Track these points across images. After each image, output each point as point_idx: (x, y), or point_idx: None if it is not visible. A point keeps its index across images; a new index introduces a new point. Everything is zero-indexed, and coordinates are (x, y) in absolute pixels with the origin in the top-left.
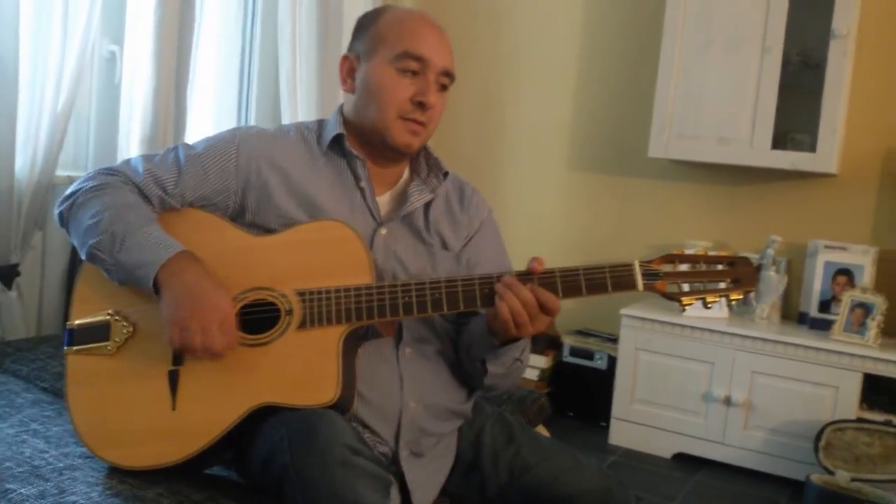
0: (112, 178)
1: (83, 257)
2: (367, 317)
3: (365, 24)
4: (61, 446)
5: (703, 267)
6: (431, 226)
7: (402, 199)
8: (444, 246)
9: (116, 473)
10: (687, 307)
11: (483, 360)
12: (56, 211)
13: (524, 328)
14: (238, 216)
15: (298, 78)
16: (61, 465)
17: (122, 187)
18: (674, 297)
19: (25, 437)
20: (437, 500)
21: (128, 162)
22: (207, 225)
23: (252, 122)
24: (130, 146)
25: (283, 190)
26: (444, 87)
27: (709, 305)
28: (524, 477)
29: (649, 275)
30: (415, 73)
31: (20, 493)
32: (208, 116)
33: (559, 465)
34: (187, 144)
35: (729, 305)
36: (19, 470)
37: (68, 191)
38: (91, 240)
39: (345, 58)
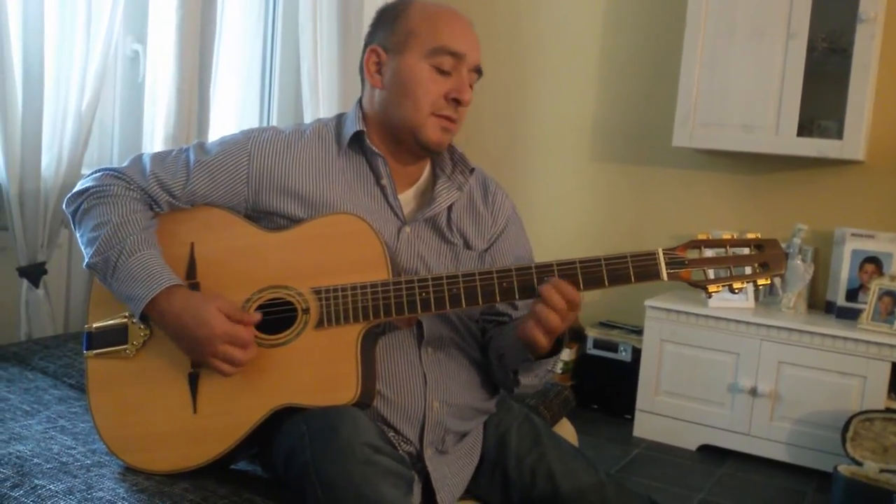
0: (117, 181)
1: (84, 268)
2: (384, 314)
3: (391, 16)
4: (88, 443)
5: (730, 252)
6: (454, 225)
7: (425, 197)
8: (467, 245)
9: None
10: (713, 294)
11: (515, 370)
12: (65, 210)
13: (558, 330)
14: (248, 218)
15: (320, 74)
16: (89, 461)
17: (125, 195)
18: (699, 285)
19: (53, 433)
20: (462, 500)
21: (137, 160)
22: (220, 221)
23: (274, 119)
24: (154, 144)
25: (296, 199)
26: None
27: (736, 291)
28: (545, 483)
29: (673, 263)
30: (449, 67)
31: (49, 488)
32: (231, 114)
33: (582, 479)
34: (201, 146)
35: (756, 290)
36: (48, 466)
37: (76, 189)
38: (89, 258)
39: (372, 50)
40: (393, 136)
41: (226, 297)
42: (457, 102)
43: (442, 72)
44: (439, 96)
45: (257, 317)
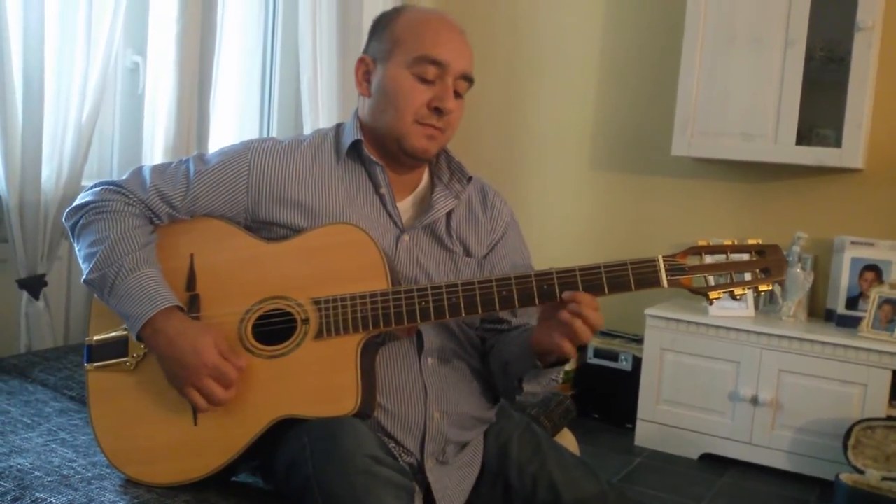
0: (117, 196)
1: (82, 283)
2: (384, 324)
3: (381, 25)
4: (89, 455)
5: (730, 258)
6: (454, 232)
7: (423, 205)
8: (467, 252)
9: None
10: (715, 301)
11: (520, 378)
12: (65, 223)
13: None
14: (248, 228)
15: (320, 85)
16: (90, 474)
17: (124, 210)
18: (700, 292)
19: (54, 446)
20: None
21: (138, 172)
22: (219, 232)
23: (274, 131)
24: (154, 156)
25: (296, 209)
26: (458, 94)
27: (738, 297)
28: (547, 493)
29: (674, 270)
30: (433, 76)
31: (50, 501)
32: (231, 125)
33: (584, 489)
34: (201, 157)
35: (757, 295)
36: (49, 479)
37: (75, 203)
38: (87, 274)
39: (361, 60)
40: (381, 144)
41: (221, 333)
42: (438, 111)
43: (424, 80)
44: (422, 105)
45: (244, 362)
